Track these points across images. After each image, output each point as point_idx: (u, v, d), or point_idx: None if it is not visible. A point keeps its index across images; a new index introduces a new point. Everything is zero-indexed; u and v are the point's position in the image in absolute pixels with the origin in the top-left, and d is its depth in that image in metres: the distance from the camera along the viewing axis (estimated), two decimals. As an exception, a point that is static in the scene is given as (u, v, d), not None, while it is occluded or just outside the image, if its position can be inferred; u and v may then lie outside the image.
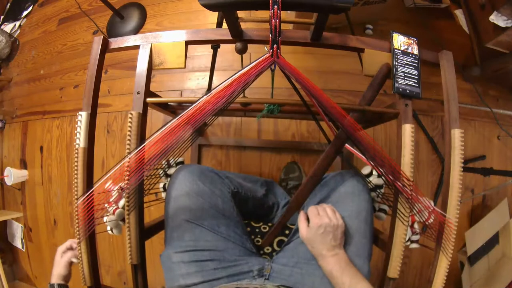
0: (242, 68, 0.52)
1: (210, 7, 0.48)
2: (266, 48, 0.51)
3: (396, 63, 0.61)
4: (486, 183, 1.32)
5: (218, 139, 1.33)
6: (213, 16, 0.84)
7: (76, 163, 0.58)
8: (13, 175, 1.59)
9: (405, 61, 0.62)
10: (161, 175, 0.76)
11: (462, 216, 1.29)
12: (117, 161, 0.52)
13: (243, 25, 0.61)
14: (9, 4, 1.99)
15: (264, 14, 0.50)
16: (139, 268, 0.61)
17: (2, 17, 1.96)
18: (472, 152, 1.33)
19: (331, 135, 0.63)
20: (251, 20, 0.64)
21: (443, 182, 0.60)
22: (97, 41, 0.62)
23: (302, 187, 0.64)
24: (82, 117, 0.59)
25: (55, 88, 1.64)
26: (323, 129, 0.68)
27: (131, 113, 0.59)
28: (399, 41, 0.63)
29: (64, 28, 1.73)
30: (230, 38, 0.62)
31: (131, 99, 0.61)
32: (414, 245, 0.62)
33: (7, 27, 1.91)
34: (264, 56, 0.51)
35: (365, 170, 0.72)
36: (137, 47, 0.63)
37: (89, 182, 0.59)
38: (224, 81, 0.52)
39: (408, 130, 0.59)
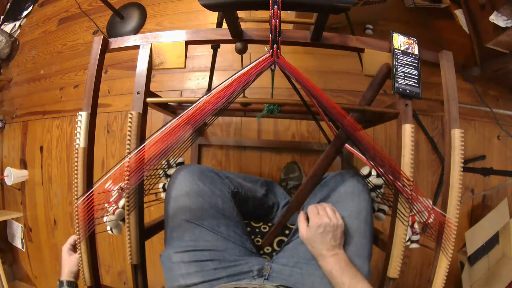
0: (242, 68, 0.52)
1: (210, 7, 0.48)
2: (266, 48, 0.51)
3: (396, 63, 0.61)
4: (486, 183, 1.32)
5: (218, 139, 1.33)
6: (213, 16, 0.84)
7: (76, 163, 0.58)
8: (13, 175, 1.59)
9: (405, 61, 0.62)
10: (161, 175, 0.76)
11: (462, 216, 1.29)
12: (117, 161, 0.52)
13: (243, 25, 0.61)
14: (9, 4, 1.99)
15: (264, 14, 0.50)
16: (139, 268, 0.61)
17: (2, 17, 1.96)
18: (472, 152, 1.33)
19: (331, 135, 0.63)
20: (251, 20, 0.64)
21: (443, 182, 0.60)
22: (97, 41, 0.62)
23: (302, 187, 0.64)
24: (82, 117, 0.59)
25: (55, 88, 1.64)
26: (323, 129, 0.68)
27: (131, 113, 0.59)
28: (399, 41, 0.63)
29: (64, 28, 1.73)
30: (230, 38, 0.62)
31: (131, 99, 0.61)
32: (414, 245, 0.62)
33: (7, 27, 1.91)
34: (264, 56, 0.51)
35: (365, 170, 0.72)
36: (137, 47, 0.63)
37: (89, 182, 0.59)
38: (224, 81, 0.52)
39: (408, 130, 0.59)
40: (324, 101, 0.52)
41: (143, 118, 0.61)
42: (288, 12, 1.24)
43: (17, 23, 1.90)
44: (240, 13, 0.60)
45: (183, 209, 0.61)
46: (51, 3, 1.83)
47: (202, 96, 0.52)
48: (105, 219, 0.61)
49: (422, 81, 0.62)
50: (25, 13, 1.90)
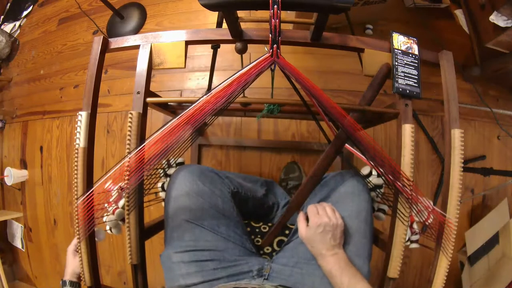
0: (242, 68, 0.52)
1: (210, 7, 0.48)
2: (266, 48, 0.51)
3: (396, 63, 0.61)
4: (486, 183, 1.32)
5: (218, 139, 1.33)
6: (213, 16, 0.84)
7: (76, 163, 0.58)
8: (13, 175, 1.59)
9: (405, 61, 0.62)
10: (161, 175, 0.76)
11: (462, 216, 1.29)
12: (117, 161, 0.52)
13: (243, 25, 0.61)
14: (9, 4, 1.99)
15: (264, 14, 0.50)
16: (139, 268, 0.61)
17: (2, 17, 1.96)
18: (472, 152, 1.33)
19: (331, 135, 0.63)
20: (251, 20, 0.64)
21: (443, 182, 0.60)
22: (97, 41, 0.62)
23: (302, 187, 0.64)
24: (82, 117, 0.59)
25: (55, 88, 1.64)
26: (323, 129, 0.68)
27: (131, 113, 0.59)
28: (399, 41, 0.63)
29: (64, 28, 1.73)
30: (230, 38, 0.62)
31: (131, 99, 0.61)
32: (414, 245, 0.62)
33: (7, 27, 1.91)
34: (264, 56, 0.51)
35: (365, 170, 0.72)
36: (137, 47, 0.63)
37: (89, 182, 0.59)
38: (224, 81, 0.52)
39: (408, 130, 0.59)
40: (324, 101, 0.52)
41: (143, 118, 0.61)
42: (288, 12, 1.24)
43: (17, 23, 1.90)
44: (240, 13, 0.60)
45: (183, 209, 0.61)
46: (51, 3, 1.83)
47: (202, 96, 0.52)
48: (104, 218, 0.61)
49: (422, 81, 0.62)
50: (25, 13, 1.90)
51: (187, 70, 1.40)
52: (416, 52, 0.63)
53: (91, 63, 0.62)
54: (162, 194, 0.77)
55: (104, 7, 1.45)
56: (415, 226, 0.61)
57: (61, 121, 1.58)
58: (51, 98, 1.64)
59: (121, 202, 0.62)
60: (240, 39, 0.62)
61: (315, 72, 1.33)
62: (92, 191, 0.52)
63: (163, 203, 0.67)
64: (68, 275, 0.64)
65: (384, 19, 1.36)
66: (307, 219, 0.60)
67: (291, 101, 0.66)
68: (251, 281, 0.59)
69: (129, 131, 0.58)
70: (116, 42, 0.65)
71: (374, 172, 0.70)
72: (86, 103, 0.60)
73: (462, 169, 0.57)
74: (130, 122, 0.59)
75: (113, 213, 0.62)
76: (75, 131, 0.60)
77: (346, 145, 0.75)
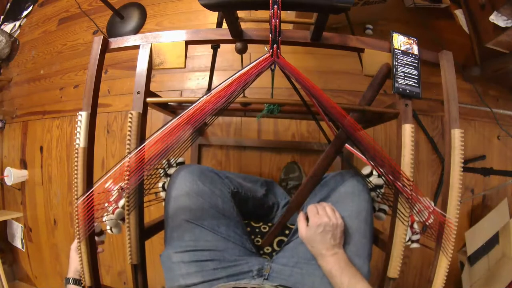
0: (242, 68, 0.52)
1: (210, 7, 0.48)
2: (266, 48, 0.51)
3: (396, 63, 0.61)
4: (486, 183, 1.32)
5: (218, 139, 1.33)
6: (213, 16, 0.84)
7: (76, 163, 0.58)
8: (13, 175, 1.59)
9: (405, 61, 0.62)
10: (161, 175, 0.76)
11: (462, 216, 1.29)
12: (117, 161, 0.52)
13: (243, 25, 0.61)
14: (9, 4, 1.99)
15: (264, 14, 0.50)
16: (139, 268, 0.61)
17: (2, 17, 1.96)
18: (472, 152, 1.33)
19: (331, 135, 0.63)
20: (251, 20, 0.64)
21: (443, 182, 0.60)
22: (97, 41, 0.62)
23: (302, 187, 0.64)
24: (82, 117, 0.59)
25: (55, 88, 1.64)
26: (323, 129, 0.68)
27: (131, 113, 0.59)
28: (399, 41, 0.63)
29: (64, 28, 1.73)
30: (230, 38, 0.62)
31: (131, 99, 0.61)
32: (414, 245, 0.62)
33: (7, 27, 1.91)
34: (264, 56, 0.51)
35: (365, 170, 0.72)
36: (137, 47, 0.63)
37: (89, 182, 0.59)
38: (224, 81, 0.52)
39: (408, 130, 0.59)
40: (324, 101, 0.52)
41: (143, 118, 0.60)
42: (288, 12, 1.24)
43: (17, 23, 1.90)
44: (240, 13, 0.60)
45: (183, 209, 0.61)
46: (51, 3, 1.83)
47: (202, 96, 0.52)
48: (104, 218, 0.61)
49: (422, 81, 0.62)
50: (25, 13, 1.90)
51: (187, 70, 1.40)
52: (416, 52, 0.63)
53: (91, 63, 0.62)
54: (163, 194, 0.77)
55: (104, 7, 1.45)
56: (415, 226, 0.61)
57: (61, 121, 1.58)
58: (51, 98, 1.64)
59: (121, 202, 0.62)
60: (240, 39, 0.62)
61: (315, 72, 1.33)
62: (92, 191, 0.52)
63: (163, 203, 0.67)
64: (71, 273, 0.64)
65: (384, 19, 1.36)
66: (307, 219, 0.60)
67: (291, 101, 0.66)
68: (251, 281, 0.59)
69: (129, 131, 0.58)
70: (116, 42, 0.65)
71: (374, 172, 0.70)
72: (86, 103, 0.60)
73: (462, 169, 0.57)
74: (130, 122, 0.59)
75: (113, 213, 0.62)
76: (75, 131, 0.60)
77: (346, 145, 0.75)
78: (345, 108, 0.55)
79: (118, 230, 0.64)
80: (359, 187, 0.63)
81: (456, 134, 0.58)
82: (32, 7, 1.90)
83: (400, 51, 0.62)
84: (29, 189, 1.66)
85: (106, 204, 0.60)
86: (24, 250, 1.68)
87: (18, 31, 1.90)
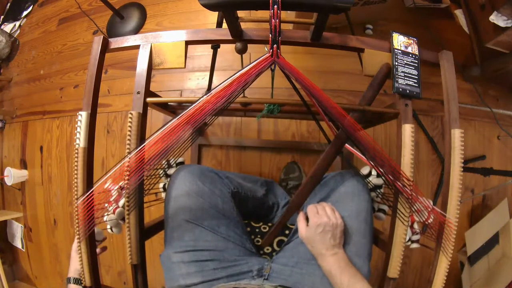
0: (242, 68, 0.52)
1: (210, 7, 0.48)
2: (266, 48, 0.51)
3: (396, 63, 0.61)
4: (486, 183, 1.32)
5: (218, 139, 1.33)
6: (213, 16, 0.84)
7: (76, 163, 0.58)
8: (13, 175, 1.59)
9: (405, 61, 0.62)
10: (161, 175, 0.76)
11: (462, 216, 1.29)
12: (117, 161, 0.52)
13: (243, 25, 0.61)
14: (9, 4, 1.99)
15: (264, 14, 0.50)
16: (139, 268, 0.61)
17: (2, 17, 1.96)
18: (472, 152, 1.33)
19: (331, 135, 0.63)
20: (251, 20, 0.64)
21: (443, 182, 0.60)
22: (97, 41, 0.62)
23: (302, 187, 0.64)
24: (82, 117, 0.59)
25: (55, 88, 1.64)
26: (323, 129, 0.68)
27: (131, 113, 0.59)
28: (399, 41, 0.63)
29: (64, 28, 1.73)
30: (230, 38, 0.62)
31: (131, 99, 0.61)
32: (415, 245, 0.62)
33: (7, 27, 1.91)
34: (264, 56, 0.51)
35: (365, 170, 0.72)
36: (137, 47, 0.63)
37: (89, 182, 0.59)
38: (224, 81, 0.52)
39: (408, 130, 0.59)
40: (324, 101, 0.52)
41: (143, 118, 0.61)
42: (288, 12, 1.24)
43: (17, 23, 1.90)
44: (240, 13, 0.60)
45: (183, 209, 0.61)
46: (51, 3, 1.83)
47: (202, 96, 0.52)
48: (105, 218, 0.61)
49: (422, 81, 0.62)
50: (25, 13, 1.90)
51: (187, 70, 1.40)
52: (416, 52, 0.63)
53: (91, 63, 0.62)
54: (163, 195, 0.77)
55: (104, 7, 1.45)
56: (415, 226, 0.61)
57: (61, 121, 1.58)
58: (51, 98, 1.64)
59: (121, 202, 0.62)
60: (240, 39, 0.62)
61: (315, 72, 1.33)
62: (92, 191, 0.52)
63: (163, 203, 0.67)
64: (72, 273, 0.64)
65: (384, 19, 1.36)
66: (307, 219, 0.60)
67: (291, 101, 0.66)
68: (251, 281, 0.60)
69: (129, 131, 0.58)
70: (116, 42, 0.65)
71: (374, 172, 0.70)
72: (86, 103, 0.60)
73: (462, 169, 0.57)
74: (130, 122, 0.59)
75: (113, 213, 0.62)
76: (75, 131, 0.60)
77: (346, 145, 0.75)
78: (345, 108, 0.55)
79: (119, 230, 0.64)
80: (359, 187, 0.63)
81: (456, 134, 0.58)
82: (32, 7, 1.90)
83: (400, 51, 0.62)
84: (29, 189, 1.66)
85: (106, 204, 0.60)
86: (24, 250, 1.68)
87: (18, 31, 1.90)
